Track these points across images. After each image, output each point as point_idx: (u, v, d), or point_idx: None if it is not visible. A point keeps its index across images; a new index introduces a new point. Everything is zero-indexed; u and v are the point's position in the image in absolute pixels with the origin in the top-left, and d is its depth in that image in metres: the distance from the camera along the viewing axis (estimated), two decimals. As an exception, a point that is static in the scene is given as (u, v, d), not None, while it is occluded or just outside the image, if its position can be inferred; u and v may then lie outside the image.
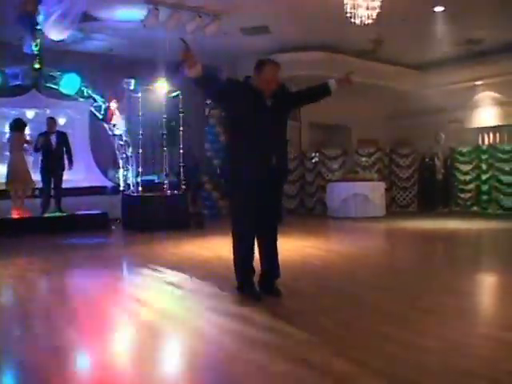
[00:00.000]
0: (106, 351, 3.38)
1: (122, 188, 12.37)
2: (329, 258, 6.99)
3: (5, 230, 9.55)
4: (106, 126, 12.55)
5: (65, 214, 10.66)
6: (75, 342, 3.60)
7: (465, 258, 7.31)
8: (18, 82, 11.18)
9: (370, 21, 9.33)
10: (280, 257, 4.71)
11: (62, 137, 10.79)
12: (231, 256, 4.63)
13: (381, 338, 3.37)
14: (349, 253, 7.39)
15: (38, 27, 10.19)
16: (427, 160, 14.04)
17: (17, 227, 9.79)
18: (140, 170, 11.34)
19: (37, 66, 10.90)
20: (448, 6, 10.65)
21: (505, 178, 12.58)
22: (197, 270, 6.09)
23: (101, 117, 12.39)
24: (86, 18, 10.30)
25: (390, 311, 4.08)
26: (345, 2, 9.23)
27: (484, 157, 13.05)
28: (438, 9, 10.84)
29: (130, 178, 12.39)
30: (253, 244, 4.54)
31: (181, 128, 11.18)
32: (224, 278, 5.19)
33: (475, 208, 13.22)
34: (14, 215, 10.11)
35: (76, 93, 11.81)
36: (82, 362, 3.29)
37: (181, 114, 11.18)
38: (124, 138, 12.49)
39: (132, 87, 11.28)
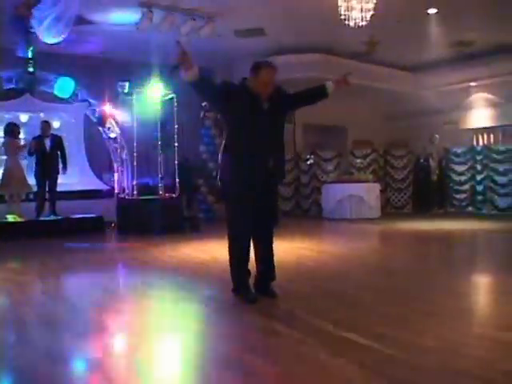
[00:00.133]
0: (103, 355, 3.37)
1: (116, 191, 12.35)
2: (324, 259, 6.99)
3: (0, 233, 9.51)
4: (100, 129, 12.53)
5: (60, 218, 10.63)
6: (71, 346, 3.59)
7: (460, 258, 7.33)
8: (11, 86, 11.16)
9: (364, 23, 9.35)
10: (275, 258, 4.71)
11: (57, 140, 10.77)
12: (227, 258, 4.62)
13: (377, 339, 3.37)
14: (344, 254, 7.40)
15: (32, 31, 10.17)
16: (422, 161, 14.08)
17: (12, 231, 9.75)
18: (135, 173, 11.32)
19: (31, 69, 10.89)
20: (441, 8, 10.68)
21: (499, 179, 12.63)
22: (192, 272, 6.09)
23: (95, 120, 12.37)
24: (80, 21, 10.28)
25: (386, 312, 4.09)
26: (339, 4, 9.25)
27: (478, 158, 13.10)
28: (432, 11, 10.88)
29: (125, 182, 12.37)
30: (249, 246, 4.53)
31: (175, 131, 11.18)
32: (220, 280, 5.19)
33: (470, 209, 13.26)
34: (10, 219, 10.09)
35: (70, 96, 11.79)
36: (78, 366, 3.28)
37: (175, 117, 11.19)
38: (119, 141, 12.48)
39: (126, 90, 11.27)
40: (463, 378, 2.74)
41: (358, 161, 14.32)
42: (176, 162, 11.32)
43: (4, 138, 10.46)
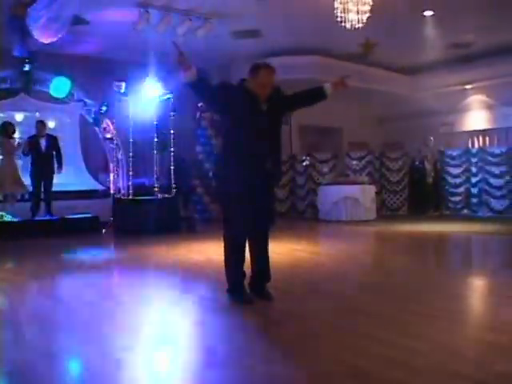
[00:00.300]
0: (99, 356, 3.36)
1: (112, 191, 12.33)
2: (319, 261, 7.00)
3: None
4: (96, 129, 12.52)
5: (55, 218, 10.61)
6: (67, 346, 3.58)
7: (455, 260, 7.35)
8: (7, 86, 11.13)
9: (360, 25, 9.36)
10: (271, 260, 4.72)
11: (52, 140, 10.76)
12: (222, 259, 4.62)
13: (371, 340, 3.38)
14: (340, 256, 7.40)
15: (28, 30, 10.14)
16: (417, 163, 14.10)
17: (7, 231, 9.72)
18: (131, 173, 11.31)
19: (26, 69, 10.86)
20: (437, 11, 10.71)
21: (494, 181, 12.66)
22: (188, 273, 6.09)
23: (91, 120, 12.36)
24: (77, 20, 10.27)
25: (380, 313, 4.09)
26: (335, 6, 9.26)
27: (474, 160, 13.12)
28: (428, 13, 10.91)
29: (121, 182, 12.35)
30: (244, 247, 4.53)
31: (171, 131, 11.18)
32: (215, 281, 5.20)
33: (465, 211, 13.28)
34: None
35: (66, 96, 11.77)
36: (74, 366, 3.28)
37: (172, 117, 11.19)
38: (115, 142, 12.46)
39: (123, 90, 11.25)
40: (455, 379, 2.74)
41: (354, 163, 14.33)
42: (172, 163, 11.32)
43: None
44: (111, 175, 12.59)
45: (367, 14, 9.30)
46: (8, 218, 10.17)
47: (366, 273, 6.15)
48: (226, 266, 4.59)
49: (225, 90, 4.54)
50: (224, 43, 12.29)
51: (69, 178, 11.90)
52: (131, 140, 11.11)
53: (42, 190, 10.62)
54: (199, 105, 13.05)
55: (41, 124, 10.78)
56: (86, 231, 10.45)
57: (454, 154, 13.63)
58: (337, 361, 3.05)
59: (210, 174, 12.76)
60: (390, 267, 6.52)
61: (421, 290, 4.92)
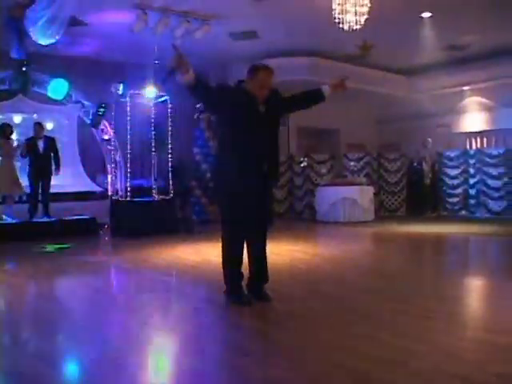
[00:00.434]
0: (96, 357, 3.36)
1: (110, 193, 12.32)
2: (317, 262, 7.00)
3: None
4: (94, 130, 12.51)
5: (53, 220, 10.59)
6: (64, 348, 3.58)
7: (452, 262, 7.35)
8: (5, 87, 11.12)
9: (358, 26, 9.36)
10: (268, 261, 4.71)
11: (50, 142, 10.74)
12: (220, 260, 4.62)
13: (369, 342, 3.38)
14: (337, 257, 7.40)
15: (26, 32, 10.13)
16: (415, 164, 14.12)
17: (4, 232, 9.70)
18: (128, 174, 11.30)
19: (24, 70, 10.85)
20: (435, 12, 10.72)
21: (492, 183, 12.67)
22: (186, 274, 6.08)
23: (89, 122, 12.34)
24: (74, 22, 10.26)
25: (379, 315, 4.09)
26: (333, 7, 9.26)
27: (472, 161, 13.14)
28: (426, 15, 10.92)
29: (119, 183, 12.34)
30: (242, 248, 4.53)
31: (169, 132, 11.18)
32: (213, 282, 5.19)
33: (463, 212, 13.30)
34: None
35: (64, 97, 11.76)
36: (71, 368, 3.27)
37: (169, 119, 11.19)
38: (112, 143, 12.45)
39: (120, 92, 11.24)
40: (457, 381, 2.74)
41: (352, 164, 14.35)
42: (170, 164, 11.32)
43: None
44: (109, 177, 12.58)
45: (365, 16, 9.30)
46: (7, 219, 10.15)
47: (364, 274, 6.15)
48: (223, 267, 4.59)
49: (223, 91, 4.55)
50: (221, 45, 12.29)
51: (66, 179, 11.89)
52: (129, 141, 11.09)
53: (40, 191, 10.60)
54: (197, 106, 13.04)
55: (38, 126, 10.77)
56: (83, 233, 10.43)
57: (452, 155, 13.66)
58: (335, 363, 3.04)
59: (208, 175, 12.77)
60: (388, 268, 6.52)
61: (418, 292, 4.93)
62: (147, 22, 10.26)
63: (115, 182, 12.47)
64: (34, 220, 10.50)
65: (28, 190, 10.61)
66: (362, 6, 9.24)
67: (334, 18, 9.29)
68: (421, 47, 12.52)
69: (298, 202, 14.63)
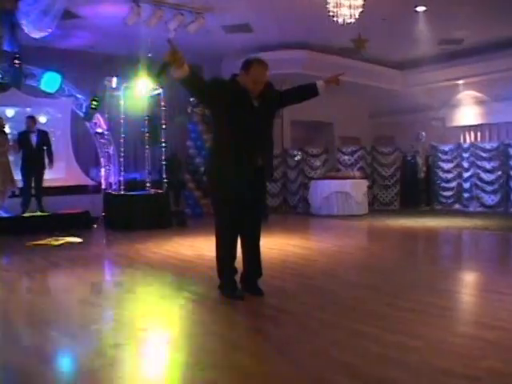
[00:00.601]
0: (90, 353, 3.35)
1: (103, 186, 12.29)
2: (311, 256, 7.00)
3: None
4: (87, 124, 12.46)
5: (46, 214, 10.55)
6: (57, 344, 3.57)
7: (446, 256, 7.37)
8: (-3, 80, 11.06)
9: (352, 20, 9.34)
10: (262, 255, 4.72)
11: (43, 135, 10.67)
12: (214, 254, 4.62)
13: (363, 337, 3.39)
14: (331, 251, 7.41)
15: (18, 24, 10.06)
16: (409, 158, 14.15)
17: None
18: (122, 168, 11.27)
19: (17, 63, 10.77)
20: (429, 6, 10.71)
21: (486, 176, 12.72)
22: (179, 268, 6.07)
23: (82, 115, 12.29)
24: (67, 15, 10.20)
25: (372, 310, 4.10)
26: (328, 0, 9.24)
27: (465, 155, 13.17)
28: (420, 9, 10.90)
29: (112, 177, 12.31)
30: (236, 243, 4.53)
31: (163, 126, 11.15)
32: (206, 276, 5.19)
33: (457, 206, 13.34)
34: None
35: (57, 91, 11.70)
36: (65, 365, 3.26)
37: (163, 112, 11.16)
38: (106, 136, 12.42)
39: (114, 85, 11.19)
40: (449, 376, 2.75)
41: (346, 157, 14.36)
42: (163, 158, 11.29)
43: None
44: (102, 170, 12.55)
45: (360, 9, 9.28)
46: (0, 213, 10.11)
47: (357, 268, 6.16)
48: (217, 261, 4.59)
49: (217, 85, 4.52)
50: (215, 38, 12.25)
51: (60, 173, 11.84)
52: (122, 135, 11.06)
53: (33, 185, 10.55)
54: (191, 100, 13.01)
55: (30, 119, 10.68)
56: (77, 226, 10.39)
57: (446, 149, 13.68)
58: (329, 358, 3.05)
59: (202, 169, 12.74)
60: (381, 262, 6.53)
61: (412, 286, 4.94)
62: (141, 15, 10.22)
63: (109, 176, 12.45)
64: (27, 214, 10.45)
65: (21, 184, 10.55)
66: (357, -1, 9.23)
67: (329, 12, 9.27)
68: (415, 41, 12.52)
69: (292, 195, 14.63)
